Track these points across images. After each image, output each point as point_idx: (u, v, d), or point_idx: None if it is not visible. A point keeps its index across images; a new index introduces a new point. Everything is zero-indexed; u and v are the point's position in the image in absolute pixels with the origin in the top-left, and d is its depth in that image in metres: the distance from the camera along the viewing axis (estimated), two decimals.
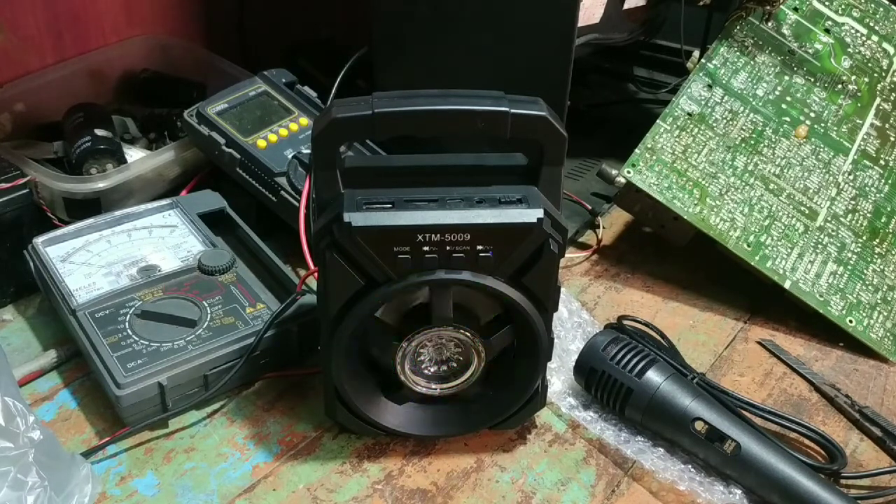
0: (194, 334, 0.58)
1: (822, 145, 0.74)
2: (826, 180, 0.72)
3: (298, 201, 0.67)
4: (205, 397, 0.57)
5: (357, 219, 0.47)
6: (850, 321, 0.67)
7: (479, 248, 0.49)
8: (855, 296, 0.68)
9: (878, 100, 0.77)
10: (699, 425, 0.54)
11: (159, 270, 0.63)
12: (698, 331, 0.68)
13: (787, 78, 0.75)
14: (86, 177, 0.70)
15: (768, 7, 0.75)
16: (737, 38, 0.76)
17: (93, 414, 0.58)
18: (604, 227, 0.78)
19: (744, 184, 0.71)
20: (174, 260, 0.64)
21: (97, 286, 0.61)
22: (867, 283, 0.69)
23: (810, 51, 0.77)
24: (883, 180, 0.74)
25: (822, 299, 0.67)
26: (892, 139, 0.76)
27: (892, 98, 0.77)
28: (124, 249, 0.65)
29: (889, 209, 0.73)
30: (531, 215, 0.48)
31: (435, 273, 0.49)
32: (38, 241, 0.64)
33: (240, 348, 0.58)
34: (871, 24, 0.79)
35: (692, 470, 0.55)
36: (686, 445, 0.55)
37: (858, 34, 0.78)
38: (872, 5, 0.79)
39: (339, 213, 0.48)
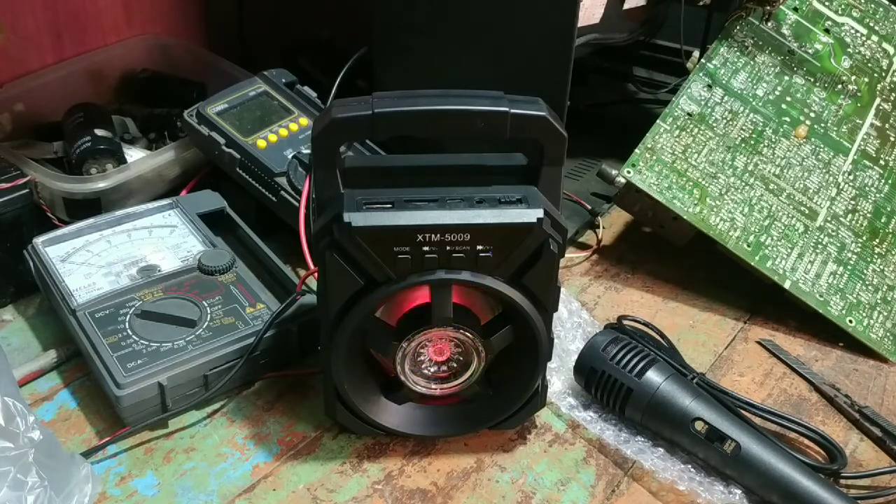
0: (194, 334, 0.58)
1: (822, 145, 0.74)
2: (826, 180, 0.72)
3: (298, 201, 0.67)
4: (205, 397, 0.57)
5: (357, 219, 0.47)
6: (850, 321, 0.67)
7: (479, 248, 0.49)
8: (855, 296, 0.68)
9: (878, 100, 0.77)
10: (699, 425, 0.54)
11: (159, 270, 0.63)
12: (698, 331, 0.68)
13: (787, 78, 0.75)
14: (86, 177, 0.70)
15: (768, 7, 0.75)
16: (737, 38, 0.76)
17: (93, 414, 0.58)
18: (604, 227, 0.78)
19: (744, 184, 0.71)
20: (174, 260, 0.64)
21: (97, 286, 0.61)
22: (867, 283, 0.69)
23: (810, 51, 0.77)
24: (883, 180, 0.74)
25: (821, 299, 0.67)
26: (892, 139, 0.76)
27: (892, 98, 0.77)
28: (124, 249, 0.65)
29: (889, 209, 0.73)
30: (531, 215, 0.48)
31: (435, 273, 0.49)
32: (38, 241, 0.64)
33: (240, 348, 0.58)
34: (871, 24, 0.79)
35: (692, 470, 0.55)
36: (686, 445, 0.55)
37: (858, 34, 0.78)
38: (872, 5, 0.79)
39: (339, 213, 0.48)
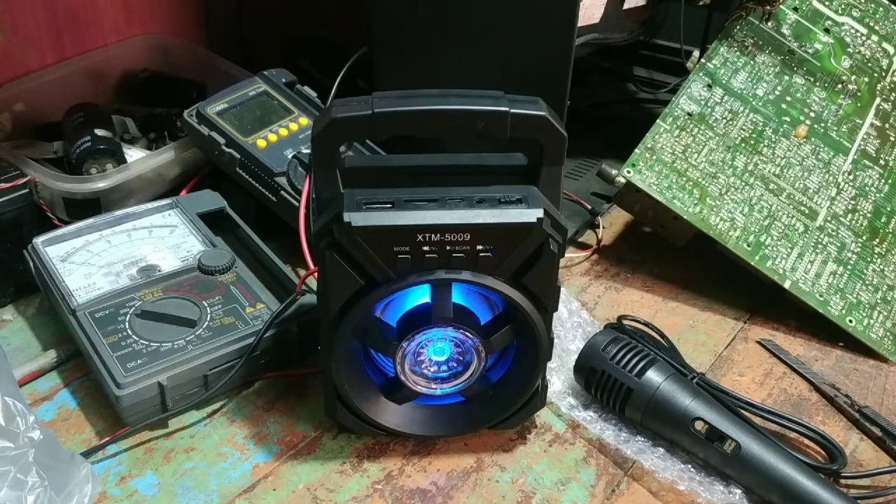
0: (194, 334, 0.58)
1: (822, 145, 0.74)
2: (826, 180, 0.72)
3: (298, 201, 0.67)
4: (205, 397, 0.57)
5: (357, 219, 0.47)
6: (850, 321, 0.67)
7: (479, 247, 0.49)
8: (855, 296, 0.68)
9: (877, 100, 0.77)
10: (699, 425, 0.54)
11: (159, 270, 0.63)
12: (698, 331, 0.68)
13: (787, 78, 0.75)
14: (86, 177, 0.70)
15: (768, 7, 0.75)
16: (737, 38, 0.76)
17: (93, 414, 0.58)
18: (604, 227, 0.78)
19: (744, 184, 0.71)
20: (174, 260, 0.64)
21: (97, 286, 0.61)
22: (867, 282, 0.69)
23: (810, 51, 0.77)
24: (883, 180, 0.74)
25: (821, 299, 0.67)
26: (892, 139, 0.76)
27: (892, 98, 0.77)
28: (124, 249, 0.65)
29: (889, 209, 0.73)
30: (531, 215, 0.48)
31: (435, 273, 0.49)
32: (38, 241, 0.64)
33: (240, 348, 0.58)
34: (871, 24, 0.79)
35: (692, 470, 0.55)
36: (686, 445, 0.55)
37: (858, 34, 0.78)
38: (872, 5, 0.79)
39: (339, 213, 0.48)
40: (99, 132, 0.73)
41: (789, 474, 0.52)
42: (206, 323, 0.59)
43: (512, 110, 0.47)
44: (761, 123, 0.73)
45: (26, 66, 0.80)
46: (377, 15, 0.73)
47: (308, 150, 0.70)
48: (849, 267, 0.69)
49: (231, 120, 0.72)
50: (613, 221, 0.79)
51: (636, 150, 0.70)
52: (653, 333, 0.63)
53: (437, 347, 0.53)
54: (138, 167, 0.71)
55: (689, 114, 0.73)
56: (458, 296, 0.52)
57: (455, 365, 0.54)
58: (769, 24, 0.76)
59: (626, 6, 0.78)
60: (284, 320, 0.59)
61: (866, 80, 0.77)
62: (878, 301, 0.68)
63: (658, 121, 0.72)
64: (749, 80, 0.75)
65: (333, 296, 0.50)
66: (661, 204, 0.69)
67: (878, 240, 0.71)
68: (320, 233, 0.49)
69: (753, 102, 0.74)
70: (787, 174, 0.72)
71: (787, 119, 0.74)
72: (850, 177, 0.73)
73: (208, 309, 0.60)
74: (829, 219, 0.71)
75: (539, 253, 0.49)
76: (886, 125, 0.76)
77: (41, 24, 0.80)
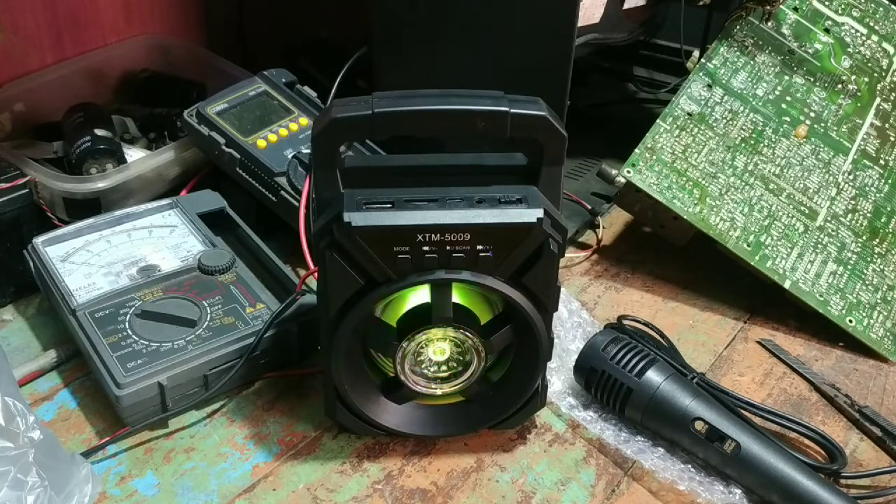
0: (194, 334, 0.58)
1: (821, 145, 0.74)
2: (826, 180, 0.72)
3: (298, 201, 0.67)
4: (205, 397, 0.57)
5: (357, 219, 0.47)
6: (850, 321, 0.67)
7: (479, 247, 0.49)
8: (855, 295, 0.68)
9: (877, 100, 0.77)
10: (699, 425, 0.54)
11: (159, 270, 0.63)
12: (698, 331, 0.68)
13: (787, 78, 0.75)
14: (86, 177, 0.70)
15: (768, 7, 0.75)
16: (737, 38, 0.76)
17: (93, 414, 0.58)
18: (604, 227, 0.78)
19: (744, 184, 0.71)
20: (174, 260, 0.64)
21: (97, 286, 0.61)
22: (867, 282, 0.69)
23: (810, 51, 0.77)
24: (883, 180, 0.74)
25: (821, 299, 0.67)
26: (891, 139, 0.76)
27: (891, 98, 0.77)
28: (124, 249, 0.65)
29: (889, 209, 0.73)
30: (531, 215, 0.48)
31: (435, 273, 0.49)
32: (38, 240, 0.64)
33: (240, 348, 0.58)
34: (871, 24, 0.79)
35: (692, 470, 0.55)
36: (686, 445, 0.55)
37: (858, 34, 0.78)
38: (872, 5, 0.79)
39: (339, 213, 0.48)
40: (99, 132, 0.73)
41: (789, 474, 0.52)
42: (206, 323, 0.59)
43: (512, 110, 0.47)
44: (761, 123, 0.73)
45: (26, 66, 0.80)
46: (377, 15, 0.73)
47: (308, 150, 0.70)
48: (849, 267, 0.69)
49: (231, 120, 0.72)
50: (613, 221, 0.79)
51: (636, 150, 0.70)
52: (653, 333, 0.63)
53: (437, 347, 0.53)
54: (138, 167, 0.71)
55: (689, 114, 0.73)
56: (458, 296, 0.52)
57: (455, 365, 0.54)
58: (769, 24, 0.76)
59: (626, 6, 0.78)
60: (284, 320, 0.59)
61: (866, 80, 0.77)
62: (878, 301, 0.68)
63: (658, 121, 0.72)
64: (749, 80, 0.75)
65: (333, 296, 0.50)
66: (661, 204, 0.69)
67: (878, 240, 0.71)
68: (320, 233, 0.49)
69: (753, 102, 0.74)
70: (787, 174, 0.72)
71: (787, 119, 0.74)
72: (850, 177, 0.73)
73: (208, 309, 0.60)
74: (829, 219, 0.71)
75: (539, 253, 0.49)
76: (886, 125, 0.76)
77: (41, 24, 0.80)
